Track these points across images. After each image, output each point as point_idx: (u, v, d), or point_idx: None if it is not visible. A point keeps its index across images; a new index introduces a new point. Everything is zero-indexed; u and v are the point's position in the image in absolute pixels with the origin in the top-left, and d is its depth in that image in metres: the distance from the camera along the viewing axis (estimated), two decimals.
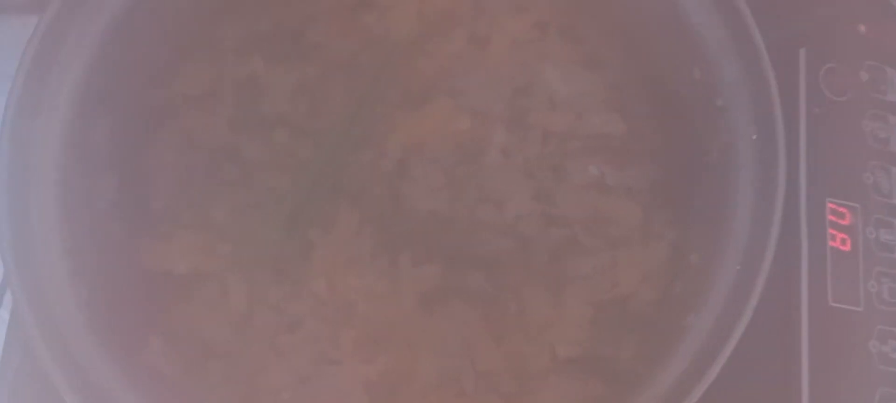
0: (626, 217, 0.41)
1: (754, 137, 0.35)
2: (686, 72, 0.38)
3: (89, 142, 0.39)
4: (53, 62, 0.38)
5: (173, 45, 0.43)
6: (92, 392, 0.34)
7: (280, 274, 0.41)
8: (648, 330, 0.39)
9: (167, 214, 0.41)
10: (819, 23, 0.48)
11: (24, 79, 0.36)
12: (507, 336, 0.40)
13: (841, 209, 0.43)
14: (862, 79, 0.46)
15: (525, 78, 0.42)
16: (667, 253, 0.40)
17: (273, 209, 0.41)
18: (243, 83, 0.43)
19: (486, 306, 0.40)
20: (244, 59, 0.43)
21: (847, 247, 0.42)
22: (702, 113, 0.38)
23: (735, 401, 0.38)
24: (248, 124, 0.43)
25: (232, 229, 0.41)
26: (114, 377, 0.36)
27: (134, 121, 0.41)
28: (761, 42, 0.36)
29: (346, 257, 0.40)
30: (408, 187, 0.41)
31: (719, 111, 0.37)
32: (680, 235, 0.40)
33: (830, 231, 0.42)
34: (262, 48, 0.44)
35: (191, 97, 0.42)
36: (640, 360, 0.37)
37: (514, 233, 0.40)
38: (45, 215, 0.37)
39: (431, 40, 0.43)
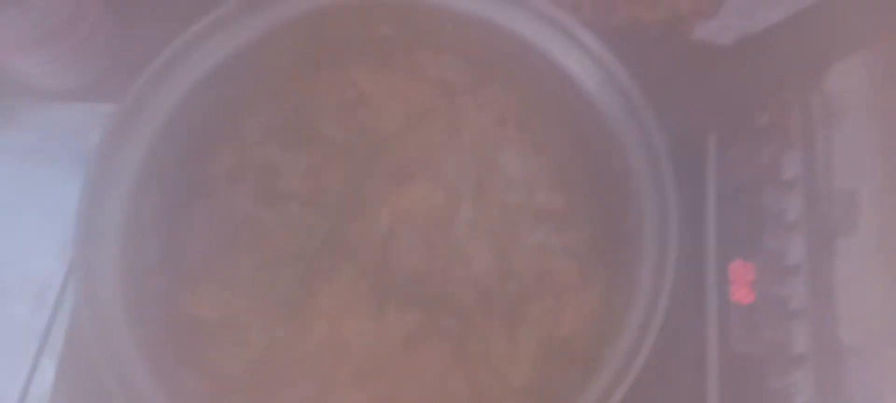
0: (566, 271, 0.52)
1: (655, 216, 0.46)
2: (607, 160, 0.50)
3: (142, 212, 0.50)
4: (119, 149, 0.48)
5: (208, 134, 0.54)
6: None
7: (290, 319, 0.51)
8: (581, 361, 0.49)
9: (200, 270, 0.51)
10: (728, 113, 0.59)
11: (98, 161, 0.47)
12: (473, 368, 0.50)
13: (744, 267, 0.54)
14: (763, 159, 0.58)
15: (487, 162, 0.54)
16: (598, 299, 0.50)
17: (285, 266, 0.52)
18: (263, 166, 0.54)
19: (456, 344, 0.51)
20: (264, 147, 0.54)
21: (749, 300, 0.53)
22: (620, 192, 0.50)
23: None
24: (266, 199, 0.53)
25: (252, 283, 0.52)
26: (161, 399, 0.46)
27: (176, 196, 0.52)
28: (662, 143, 0.47)
29: (343, 305, 0.51)
30: (394, 248, 0.51)
31: (632, 192, 0.48)
32: (607, 285, 0.50)
33: (733, 286, 0.53)
34: (278, 138, 0.54)
35: (220, 177, 0.53)
36: (572, 386, 0.48)
37: (478, 286, 0.51)
38: (107, 267, 0.47)
39: (414, 131, 0.55)
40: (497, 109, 0.56)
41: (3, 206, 0.56)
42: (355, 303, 0.50)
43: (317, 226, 0.51)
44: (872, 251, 0.49)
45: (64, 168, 0.57)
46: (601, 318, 0.49)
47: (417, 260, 0.50)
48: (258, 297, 0.51)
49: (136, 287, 0.47)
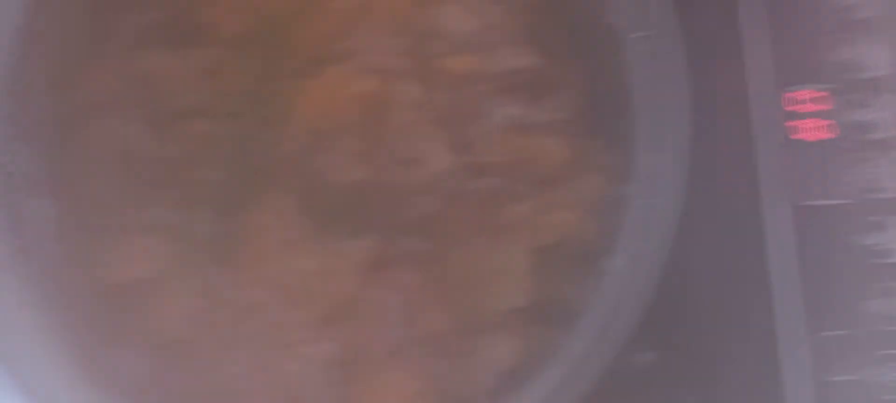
0: (551, 153, 0.38)
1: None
2: None
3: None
4: None
5: (72, 50, 0.41)
6: None
7: (223, 266, 0.41)
8: (590, 266, 0.37)
9: (105, 228, 0.41)
10: None
11: None
12: (451, 294, 0.39)
13: (806, 93, 0.38)
14: None
15: (424, 21, 0.38)
16: (598, 183, 0.37)
17: (202, 202, 0.41)
18: (147, 79, 0.41)
19: (425, 268, 0.39)
20: (144, 55, 0.41)
21: (819, 136, 0.38)
22: (610, 32, 0.34)
23: (703, 328, 0.36)
24: (159, 121, 0.41)
25: (169, 231, 0.41)
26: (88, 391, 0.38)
27: (49, 145, 0.40)
28: None
29: (279, 240, 0.40)
30: (324, 159, 0.39)
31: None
32: (608, 163, 0.36)
33: (794, 122, 0.37)
34: (158, 40, 0.41)
35: (96, 105, 0.40)
36: (576, 300, 0.36)
37: (439, 190, 0.38)
38: None
39: None
40: None
41: None
42: (292, 236, 0.38)
43: (226, 146, 0.38)
44: None
45: None
46: (605, 208, 0.35)
47: (357, 170, 0.37)
48: (180, 246, 0.40)
49: (26, 270, 0.37)
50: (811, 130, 0.39)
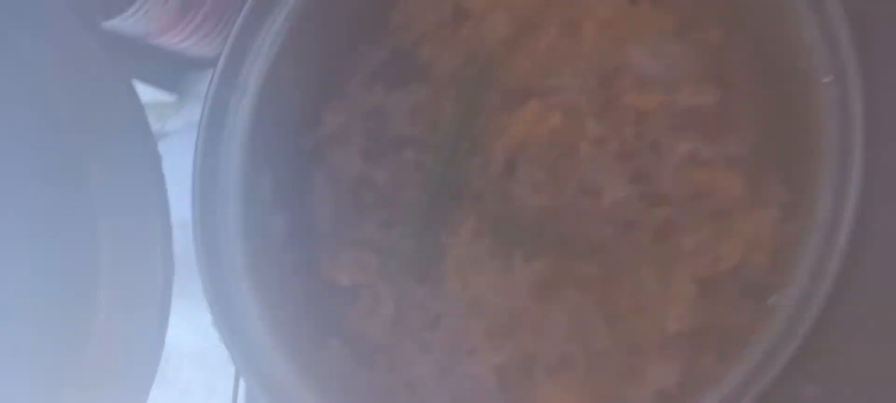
0: (727, 188, 0.39)
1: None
2: (773, 34, 0.36)
3: (260, 190, 0.47)
4: (223, 124, 0.45)
5: (313, 95, 0.49)
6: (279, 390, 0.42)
7: (421, 278, 0.46)
8: (757, 298, 0.38)
9: (329, 238, 0.48)
10: None
11: (202, 141, 0.44)
12: (618, 317, 0.41)
13: None
14: None
15: (612, 61, 0.42)
16: (771, 221, 0.38)
17: (408, 222, 0.47)
18: (370, 115, 0.48)
19: (596, 290, 0.42)
20: (368, 94, 0.48)
21: None
22: (793, 77, 0.36)
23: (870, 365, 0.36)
24: (378, 151, 0.48)
25: (379, 243, 0.48)
26: (297, 376, 0.44)
27: (291, 169, 0.48)
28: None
29: (470, 257, 0.45)
30: (515, 187, 0.44)
31: (807, 75, 0.35)
32: (783, 202, 0.37)
33: None
34: (381, 80, 0.48)
35: (330, 138, 0.48)
36: (740, 330, 0.37)
37: (616, 218, 0.41)
38: (232, 251, 0.45)
39: (523, 38, 0.45)
40: None
41: None
42: (482, 254, 0.43)
43: (433, 172, 0.44)
44: None
45: None
46: (775, 245, 0.36)
47: (542, 197, 0.42)
48: (387, 257, 0.46)
49: (265, 267, 0.45)
50: None
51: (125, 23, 0.54)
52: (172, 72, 0.63)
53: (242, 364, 0.43)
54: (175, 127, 0.63)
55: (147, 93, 0.62)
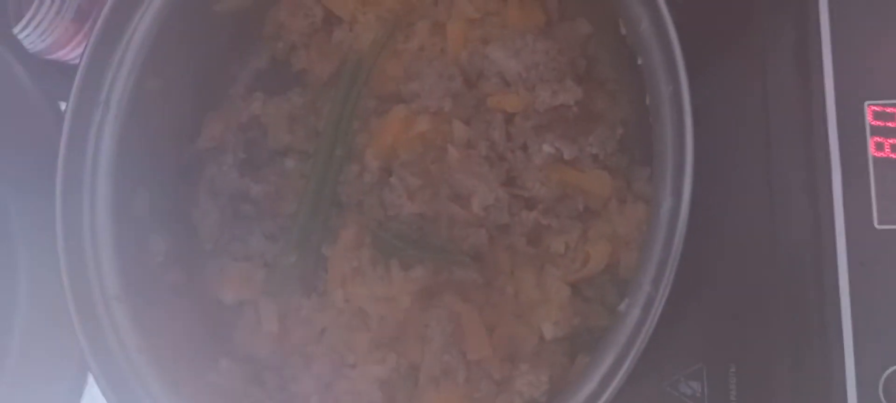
0: (594, 186, 0.38)
1: None
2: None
3: (136, 212, 0.45)
4: (86, 145, 0.43)
5: (189, 106, 0.47)
6: None
7: (305, 290, 0.45)
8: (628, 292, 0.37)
9: (213, 254, 0.46)
10: None
11: (62, 173, 0.42)
12: (499, 323, 0.40)
13: (887, 110, 0.36)
14: None
15: (477, 62, 0.41)
16: (640, 218, 0.37)
17: (291, 233, 0.45)
18: (249, 124, 0.46)
19: (473, 297, 0.41)
20: (247, 102, 0.46)
21: None
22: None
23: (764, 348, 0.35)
24: (259, 161, 0.46)
25: (264, 256, 0.46)
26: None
27: (168, 186, 0.46)
28: None
29: (351, 268, 0.43)
30: (388, 194, 0.42)
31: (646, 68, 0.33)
32: (650, 198, 0.36)
33: (874, 138, 0.35)
34: (260, 87, 0.46)
35: (208, 149, 0.46)
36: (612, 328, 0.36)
37: (488, 223, 0.40)
38: (107, 287, 0.43)
39: (392, 41, 0.43)
40: None
41: None
42: (363, 265, 0.41)
43: (311, 181, 0.43)
44: None
45: None
46: (643, 241, 0.35)
47: (417, 204, 0.40)
48: (272, 271, 0.44)
49: (146, 291, 0.43)
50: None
51: (25, 39, 0.51)
52: None
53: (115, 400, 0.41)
54: None
55: None
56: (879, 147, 0.36)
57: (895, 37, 0.36)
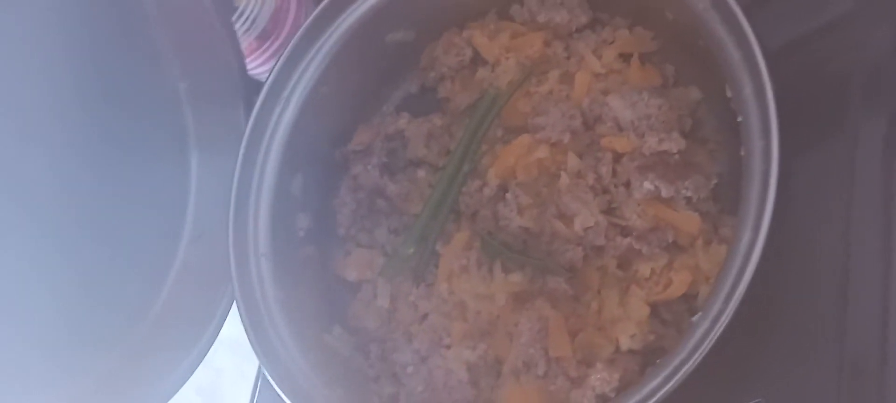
0: (684, 225, 0.42)
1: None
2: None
3: (289, 190, 0.52)
4: (266, 130, 0.51)
5: (348, 115, 0.55)
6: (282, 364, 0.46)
7: (416, 279, 0.50)
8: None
9: (345, 239, 0.53)
10: None
11: (245, 146, 0.50)
12: (580, 330, 0.44)
13: None
14: None
15: (596, 108, 0.46)
16: (721, 256, 0.41)
17: (413, 231, 0.51)
18: (393, 136, 0.53)
19: (563, 305, 0.45)
20: (395, 118, 0.53)
21: None
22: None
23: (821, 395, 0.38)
24: (396, 168, 0.53)
25: (386, 246, 0.52)
26: (301, 354, 0.48)
27: (321, 174, 0.54)
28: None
29: (460, 266, 0.48)
30: (502, 209, 0.47)
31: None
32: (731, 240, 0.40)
33: None
34: (408, 108, 0.53)
35: (356, 151, 0.53)
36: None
37: (585, 243, 0.45)
38: (260, 245, 0.50)
39: (527, 83, 0.49)
40: (620, 46, 0.47)
41: None
42: (470, 264, 0.47)
43: (437, 189, 0.49)
44: None
45: None
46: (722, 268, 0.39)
47: (525, 218, 0.45)
48: (391, 259, 0.50)
49: (287, 256, 0.50)
50: None
51: None
52: None
53: (252, 334, 0.47)
54: None
55: None
56: None
57: None
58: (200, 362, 0.50)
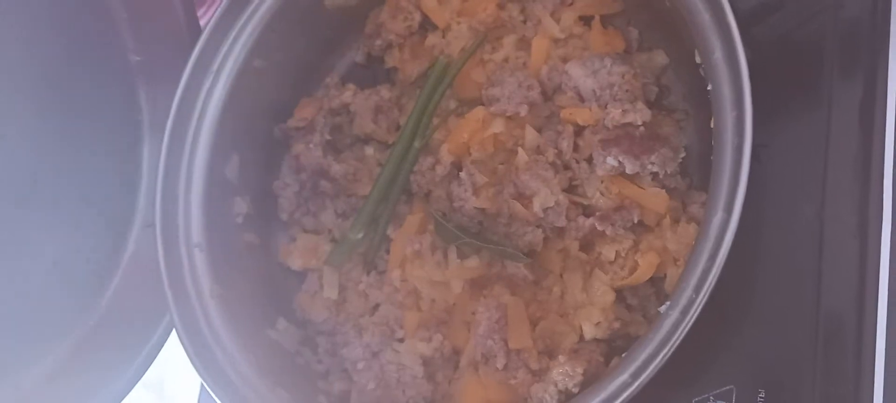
0: (651, 203, 0.39)
1: None
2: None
3: (224, 174, 0.47)
4: (194, 108, 0.46)
5: (288, 89, 0.49)
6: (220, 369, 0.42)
7: (367, 266, 0.46)
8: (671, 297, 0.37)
9: (288, 224, 0.48)
10: None
11: (171, 125, 0.45)
12: (542, 318, 0.41)
13: None
14: None
15: (556, 77, 0.42)
16: (694, 233, 0.37)
17: (362, 213, 0.46)
18: (338, 111, 0.48)
19: (522, 292, 0.41)
20: (339, 91, 0.48)
21: None
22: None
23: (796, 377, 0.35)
24: (342, 145, 0.48)
25: (334, 231, 0.47)
26: (241, 351, 0.44)
27: (257, 154, 0.49)
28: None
29: (412, 251, 0.44)
30: (456, 187, 0.43)
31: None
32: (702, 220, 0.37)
33: None
34: (353, 80, 0.48)
35: (297, 129, 0.48)
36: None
37: (545, 225, 0.41)
38: (192, 235, 0.45)
39: (480, 51, 0.45)
40: (581, 7, 0.44)
41: None
42: (423, 249, 0.43)
43: (387, 167, 0.45)
44: None
45: None
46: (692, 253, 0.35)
47: (480, 199, 0.41)
48: (338, 243, 0.46)
49: (224, 245, 0.45)
50: None
51: None
52: None
53: (184, 335, 0.43)
54: None
55: None
56: None
57: None
58: (157, 355, 0.47)
